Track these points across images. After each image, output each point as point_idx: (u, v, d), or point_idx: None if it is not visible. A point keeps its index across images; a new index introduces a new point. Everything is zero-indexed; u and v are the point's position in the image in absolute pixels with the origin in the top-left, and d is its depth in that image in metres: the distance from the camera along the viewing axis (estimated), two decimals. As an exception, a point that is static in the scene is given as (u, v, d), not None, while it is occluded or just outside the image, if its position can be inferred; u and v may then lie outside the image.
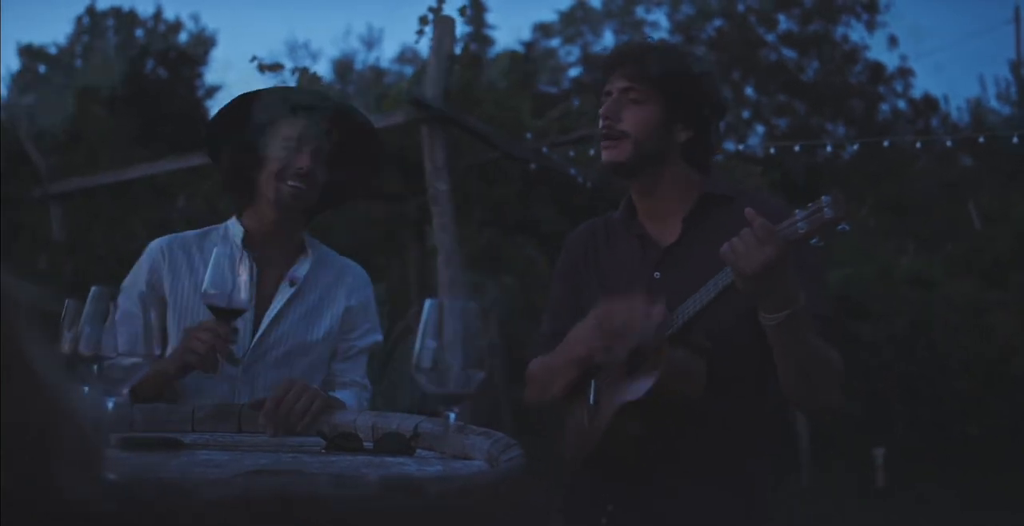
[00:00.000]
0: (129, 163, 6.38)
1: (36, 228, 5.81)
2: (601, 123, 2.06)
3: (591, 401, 2.03)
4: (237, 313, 1.89)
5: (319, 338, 2.19)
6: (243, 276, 1.95)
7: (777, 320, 1.77)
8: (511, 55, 6.42)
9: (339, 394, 2.10)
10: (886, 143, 6.75)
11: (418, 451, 1.64)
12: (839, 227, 1.68)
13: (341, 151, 2.21)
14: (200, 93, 23.11)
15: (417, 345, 1.33)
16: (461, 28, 4.78)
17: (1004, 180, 13.32)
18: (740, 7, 24.79)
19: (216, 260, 1.93)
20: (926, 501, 6.96)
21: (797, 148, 6.16)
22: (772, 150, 6.79)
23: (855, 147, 7.29)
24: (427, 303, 1.35)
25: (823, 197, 1.69)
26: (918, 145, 8.75)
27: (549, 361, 2.08)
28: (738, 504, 2.00)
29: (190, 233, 2.28)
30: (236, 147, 2.17)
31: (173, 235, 2.26)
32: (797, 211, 1.72)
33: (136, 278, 2.16)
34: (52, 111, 6.58)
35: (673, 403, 1.88)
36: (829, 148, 6.14)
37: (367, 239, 6.02)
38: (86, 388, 1.71)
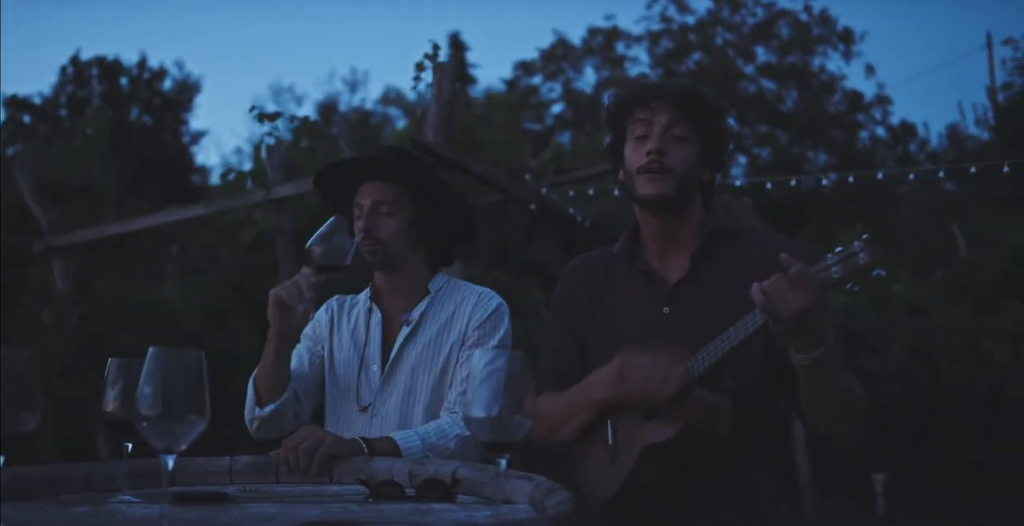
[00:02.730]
0: (125, 213, 6.42)
1: (39, 281, 5.84)
2: (646, 157, 2.06)
3: (610, 442, 2.04)
4: (332, 270, 2.08)
5: (438, 370, 2.27)
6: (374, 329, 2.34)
7: (810, 359, 1.79)
8: (507, 98, 6.49)
9: (431, 423, 2.19)
10: (880, 175, 6.86)
11: (459, 497, 1.67)
12: (875, 272, 1.70)
13: (414, 196, 2.34)
14: (186, 139, 23.19)
15: (468, 394, 1.36)
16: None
17: (988, 205, 13.45)
18: (718, 40, 25.14)
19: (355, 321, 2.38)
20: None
21: (793, 182, 6.25)
22: (769, 185, 6.88)
23: (835, 177, 7.38)
24: (476, 353, 1.39)
25: (855, 242, 1.71)
26: (880, 175, 8.84)
27: (563, 399, 2.08)
28: None
29: (350, 297, 2.48)
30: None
31: (341, 296, 2.48)
32: (829, 255, 1.74)
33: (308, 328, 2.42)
34: (46, 162, 6.64)
35: (699, 443, 1.90)
36: (825, 182, 6.20)
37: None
38: (129, 445, 1.76)
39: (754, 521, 2.01)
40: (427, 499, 1.65)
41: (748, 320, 1.83)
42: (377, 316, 2.36)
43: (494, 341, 2.29)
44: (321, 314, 2.44)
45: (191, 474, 1.88)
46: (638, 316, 2.09)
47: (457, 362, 2.28)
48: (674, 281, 2.09)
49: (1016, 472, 7.53)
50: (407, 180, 2.32)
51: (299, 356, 2.37)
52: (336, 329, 2.40)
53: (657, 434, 1.92)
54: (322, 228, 2.09)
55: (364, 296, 2.44)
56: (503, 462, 1.39)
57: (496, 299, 2.34)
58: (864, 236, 1.72)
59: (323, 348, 2.38)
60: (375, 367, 2.31)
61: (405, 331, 2.31)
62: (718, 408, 1.89)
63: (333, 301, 2.47)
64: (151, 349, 1.37)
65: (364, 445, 2.00)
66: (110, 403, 1.72)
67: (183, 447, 1.36)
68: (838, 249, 1.74)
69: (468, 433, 2.13)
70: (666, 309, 2.07)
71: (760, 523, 2.02)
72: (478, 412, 1.36)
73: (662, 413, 1.92)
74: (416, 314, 2.33)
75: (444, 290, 2.37)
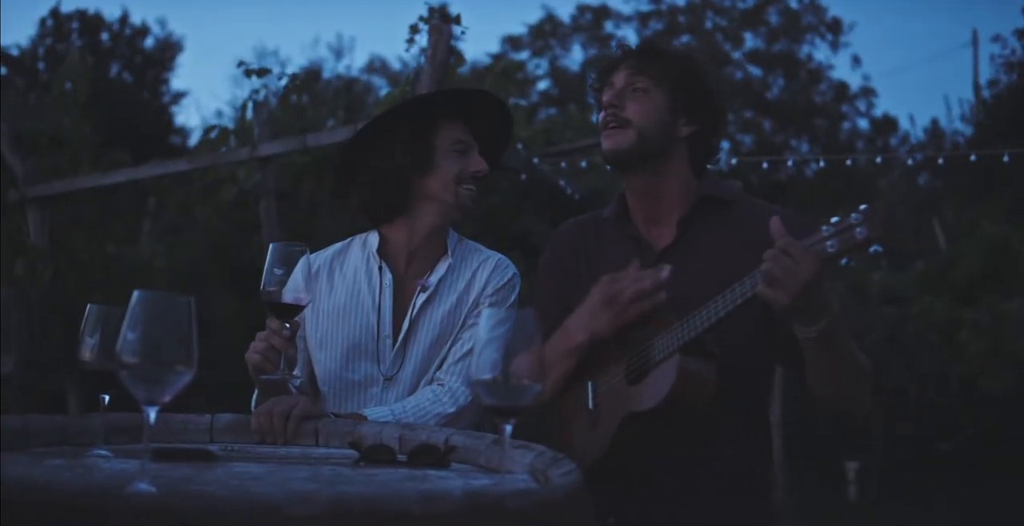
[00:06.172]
0: (104, 166, 6.28)
1: (13, 233, 5.70)
2: (604, 112, 2.03)
3: (590, 405, 1.98)
4: (295, 309, 1.81)
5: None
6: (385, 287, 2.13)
7: (815, 332, 1.74)
8: (502, 66, 6.41)
9: (419, 393, 2.07)
10: (848, 162, 6.85)
11: (452, 464, 1.60)
12: (872, 249, 1.63)
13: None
14: (166, 99, 22.84)
15: (475, 357, 1.29)
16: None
17: (966, 198, 13.54)
18: (707, 24, 25.05)
19: (355, 273, 2.15)
20: (897, 515, 7.02)
21: (791, 163, 6.19)
22: (765, 164, 6.82)
23: (821, 164, 7.34)
24: (485, 312, 1.32)
25: (852, 214, 1.62)
26: (878, 160, 8.85)
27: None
28: (748, 508, 1.99)
29: (334, 248, 2.26)
30: (389, 158, 2.10)
31: (320, 253, 2.24)
32: (824, 227, 1.66)
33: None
34: (24, 113, 6.47)
35: (683, 411, 1.85)
36: (816, 165, 6.16)
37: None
38: (106, 397, 1.67)
39: (739, 490, 1.98)
40: (419, 465, 1.58)
41: (736, 291, 1.76)
42: (388, 277, 2.16)
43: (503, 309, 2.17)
44: (297, 277, 2.12)
45: (169, 431, 1.80)
46: None
47: (463, 327, 2.15)
48: (660, 248, 2.03)
49: (982, 462, 7.62)
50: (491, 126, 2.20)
51: None
52: (327, 294, 2.18)
53: (644, 401, 1.86)
54: (268, 263, 1.79)
55: (359, 250, 2.23)
56: (508, 428, 1.32)
57: (512, 267, 2.23)
58: (863, 207, 1.62)
59: (304, 321, 2.16)
60: (387, 336, 2.13)
61: (422, 297, 2.14)
62: (703, 376, 1.84)
63: (313, 262, 2.19)
64: (136, 293, 1.28)
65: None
66: (87, 351, 1.63)
67: (167, 398, 1.28)
68: (833, 219, 1.65)
69: (452, 410, 2.05)
70: None
71: (745, 492, 1.99)
72: (483, 374, 1.28)
73: (649, 375, 1.87)
74: (434, 280, 2.16)
75: (459, 253, 2.21)
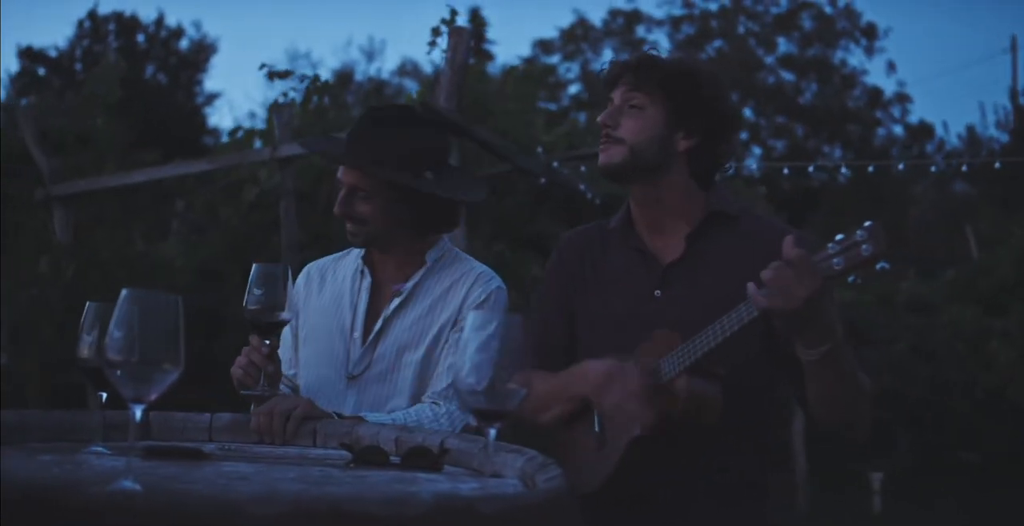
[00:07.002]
0: (132, 166, 6.35)
1: (38, 230, 5.78)
2: (602, 130, 2.02)
3: (596, 427, 1.97)
4: (275, 327, 1.86)
5: (424, 347, 2.13)
6: (362, 293, 2.19)
7: (818, 355, 1.72)
8: (524, 69, 6.40)
9: (418, 409, 2.07)
10: (871, 168, 6.78)
11: (445, 467, 1.60)
12: (878, 266, 1.62)
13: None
14: (199, 100, 23.09)
15: (460, 359, 1.28)
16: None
17: (1000, 206, 13.37)
18: (740, 29, 24.93)
19: (340, 282, 2.23)
20: (910, 520, 6.95)
21: (811, 169, 6.16)
22: (786, 170, 6.77)
23: (844, 171, 7.28)
24: (471, 314, 1.31)
25: (858, 231, 1.61)
26: (900, 166, 8.74)
27: (552, 384, 2.00)
28: (745, 517, 1.97)
29: (337, 254, 2.34)
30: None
31: (321, 259, 2.35)
32: (830, 245, 1.64)
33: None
34: (54, 113, 6.57)
35: (688, 432, 1.84)
36: (845, 171, 6.10)
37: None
38: (103, 394, 1.68)
39: (736, 499, 1.96)
40: (412, 468, 1.57)
41: (742, 311, 1.74)
42: (367, 280, 2.20)
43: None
44: (299, 284, 2.28)
45: (170, 429, 1.82)
46: (630, 296, 2.02)
47: (446, 343, 2.13)
48: (667, 263, 2.01)
49: (1009, 472, 7.51)
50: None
51: (284, 339, 2.24)
52: (317, 294, 2.26)
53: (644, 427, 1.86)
54: (249, 282, 1.82)
55: (355, 255, 2.28)
56: (492, 432, 1.31)
57: (496, 280, 2.18)
58: (867, 223, 1.60)
59: (297, 318, 2.24)
60: (357, 335, 2.16)
61: (395, 302, 2.16)
62: (708, 397, 1.82)
63: (312, 268, 2.33)
64: (124, 291, 1.28)
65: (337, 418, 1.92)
66: (85, 348, 1.65)
67: (153, 397, 1.28)
68: (839, 237, 1.64)
69: (449, 430, 2.04)
70: (658, 292, 1.99)
71: (741, 501, 1.97)
72: (469, 378, 1.27)
73: (655, 397, 1.86)
74: (409, 285, 2.17)
75: (443, 262, 2.21)
